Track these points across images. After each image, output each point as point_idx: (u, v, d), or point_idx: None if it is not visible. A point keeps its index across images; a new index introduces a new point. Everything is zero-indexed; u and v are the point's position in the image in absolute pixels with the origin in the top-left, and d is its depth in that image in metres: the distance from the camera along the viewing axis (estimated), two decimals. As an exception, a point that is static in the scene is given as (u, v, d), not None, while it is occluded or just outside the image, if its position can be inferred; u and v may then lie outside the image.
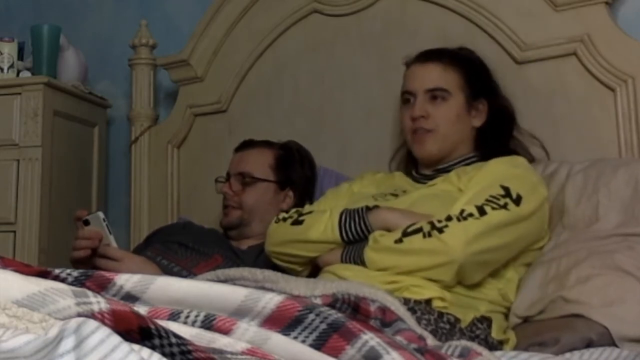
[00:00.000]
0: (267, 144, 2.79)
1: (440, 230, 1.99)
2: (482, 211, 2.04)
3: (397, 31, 2.94)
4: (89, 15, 3.88)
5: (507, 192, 2.11)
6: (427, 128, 2.38)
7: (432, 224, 2.01)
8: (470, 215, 2.02)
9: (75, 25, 3.78)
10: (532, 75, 2.67)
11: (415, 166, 2.52)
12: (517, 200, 2.11)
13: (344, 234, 2.15)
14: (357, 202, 2.30)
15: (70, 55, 3.42)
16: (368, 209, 2.17)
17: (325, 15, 3.10)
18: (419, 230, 2.02)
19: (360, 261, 2.08)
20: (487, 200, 2.07)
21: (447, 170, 2.38)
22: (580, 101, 2.60)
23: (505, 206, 2.07)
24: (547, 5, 2.66)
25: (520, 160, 2.32)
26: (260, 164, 2.72)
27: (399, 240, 2.03)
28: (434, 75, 2.42)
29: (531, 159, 2.45)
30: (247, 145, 2.79)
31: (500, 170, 2.21)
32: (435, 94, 2.39)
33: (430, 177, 2.40)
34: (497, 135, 2.45)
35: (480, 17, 2.77)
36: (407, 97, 2.45)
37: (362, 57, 3.01)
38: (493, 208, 2.05)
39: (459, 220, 2.01)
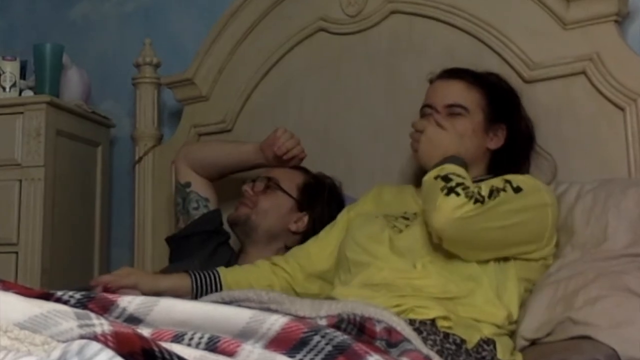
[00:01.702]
0: (302, 169, 2.81)
1: (449, 192, 2.08)
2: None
3: (404, 50, 2.95)
4: (92, 34, 3.90)
5: (508, 182, 2.16)
6: None
7: (462, 185, 2.10)
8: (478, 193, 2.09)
9: (79, 43, 3.79)
10: (541, 95, 2.68)
11: None
12: (516, 190, 2.15)
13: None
14: (363, 225, 2.33)
15: (73, 74, 3.44)
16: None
17: (331, 34, 3.11)
18: (449, 181, 2.11)
19: None
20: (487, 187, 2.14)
21: None
22: (589, 120, 2.61)
23: (503, 189, 2.13)
24: (556, 23, 2.67)
25: (527, 175, 2.33)
26: (288, 178, 2.74)
27: (440, 178, 2.14)
28: (456, 91, 2.43)
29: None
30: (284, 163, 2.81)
31: (504, 176, 2.23)
32: (454, 110, 2.39)
33: None
34: (513, 158, 2.46)
35: (488, 36, 2.78)
36: (425, 111, 2.46)
37: (368, 76, 3.02)
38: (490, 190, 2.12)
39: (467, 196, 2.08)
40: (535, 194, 2.21)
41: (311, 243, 2.53)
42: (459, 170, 2.17)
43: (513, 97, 2.55)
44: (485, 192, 2.09)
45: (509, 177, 2.20)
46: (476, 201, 2.06)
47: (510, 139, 2.46)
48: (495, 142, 2.44)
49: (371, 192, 2.59)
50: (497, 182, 2.17)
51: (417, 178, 2.63)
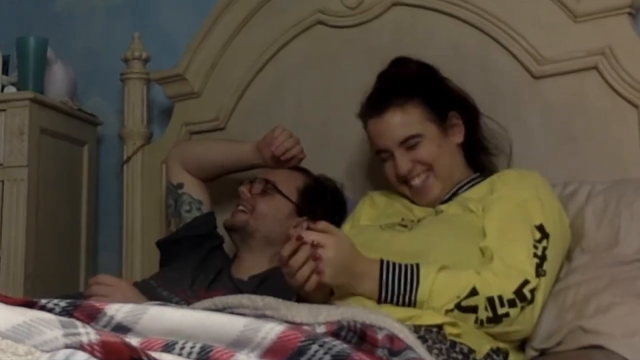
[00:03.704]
0: (302, 170, 2.80)
1: (499, 320, 1.99)
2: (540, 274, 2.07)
3: (406, 44, 2.94)
4: (78, 27, 3.89)
5: (542, 234, 2.12)
6: (421, 181, 2.39)
7: (493, 309, 1.99)
8: (535, 290, 2.03)
9: (64, 37, 3.78)
10: (550, 91, 2.68)
11: None
12: (549, 236, 2.13)
13: None
14: (358, 235, 2.33)
15: (58, 70, 3.43)
16: None
17: (329, 27, 3.11)
18: (474, 310, 1.99)
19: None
20: (533, 248, 2.09)
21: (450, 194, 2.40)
22: (601, 118, 2.60)
23: (544, 256, 2.09)
24: (566, 16, 2.67)
25: (539, 180, 2.30)
26: (288, 181, 2.73)
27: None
28: (398, 124, 2.39)
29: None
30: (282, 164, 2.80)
31: (525, 198, 2.21)
32: (410, 143, 2.37)
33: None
34: (474, 137, 2.49)
35: (495, 29, 2.78)
36: (384, 157, 2.45)
37: (368, 70, 2.99)
38: (539, 266, 2.08)
39: (530, 302, 2.02)
40: (562, 225, 2.22)
41: None
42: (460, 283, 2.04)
43: (438, 78, 2.53)
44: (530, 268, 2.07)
45: (533, 213, 2.17)
46: (539, 274, 2.06)
47: (467, 119, 2.47)
48: (459, 133, 2.45)
49: (365, 202, 2.60)
50: (530, 230, 2.13)
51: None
